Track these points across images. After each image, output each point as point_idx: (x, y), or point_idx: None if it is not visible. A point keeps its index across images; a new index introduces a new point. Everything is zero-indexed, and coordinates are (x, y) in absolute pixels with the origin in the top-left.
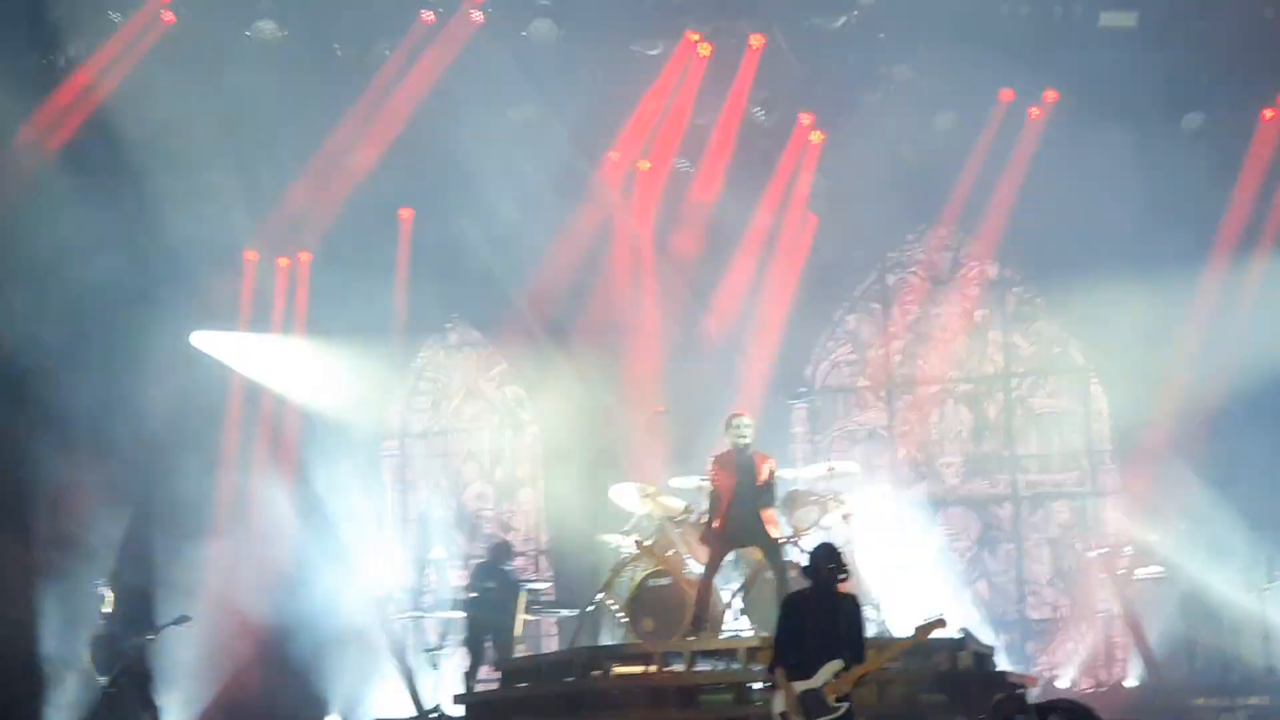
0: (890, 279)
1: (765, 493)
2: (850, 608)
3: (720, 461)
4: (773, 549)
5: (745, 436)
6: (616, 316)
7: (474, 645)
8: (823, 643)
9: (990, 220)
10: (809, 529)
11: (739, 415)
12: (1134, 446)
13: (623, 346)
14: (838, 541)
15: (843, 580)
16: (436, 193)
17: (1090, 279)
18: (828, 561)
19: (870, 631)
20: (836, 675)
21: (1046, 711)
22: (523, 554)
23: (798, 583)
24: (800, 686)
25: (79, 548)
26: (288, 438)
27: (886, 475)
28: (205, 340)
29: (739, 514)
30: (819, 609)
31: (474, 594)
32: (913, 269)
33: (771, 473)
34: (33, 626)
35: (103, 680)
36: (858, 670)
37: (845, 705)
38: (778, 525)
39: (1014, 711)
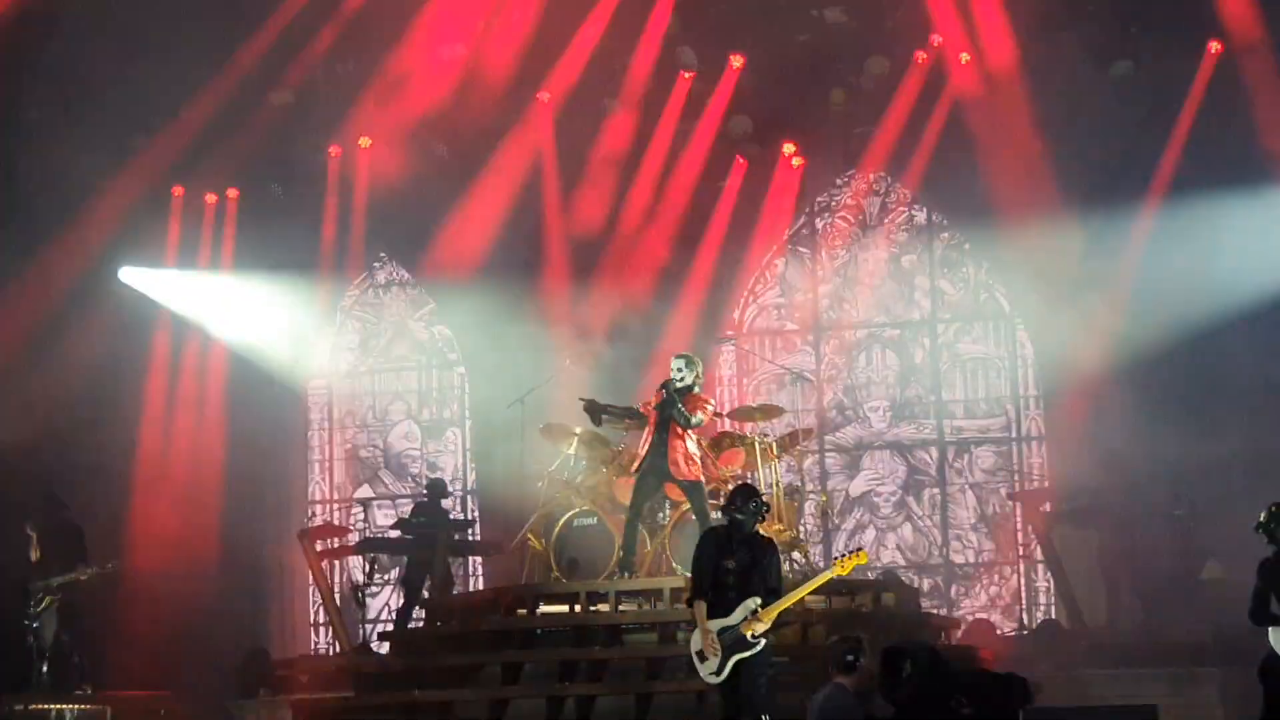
0: (818, 223)
1: (685, 428)
2: (767, 548)
3: (656, 401)
4: (692, 489)
5: (675, 376)
6: (547, 257)
7: (410, 583)
8: (740, 581)
9: (918, 166)
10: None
11: (680, 355)
12: (1059, 392)
13: (552, 287)
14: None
15: (762, 520)
16: (364, 130)
17: (1017, 226)
18: (746, 501)
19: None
20: (754, 612)
21: (897, 655)
22: (450, 495)
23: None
24: (716, 624)
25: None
26: (215, 375)
27: (813, 418)
28: (133, 276)
29: (654, 456)
30: (737, 548)
31: (409, 532)
32: (841, 213)
33: (705, 414)
34: None
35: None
36: (776, 605)
37: (762, 642)
38: (699, 465)
39: (846, 652)
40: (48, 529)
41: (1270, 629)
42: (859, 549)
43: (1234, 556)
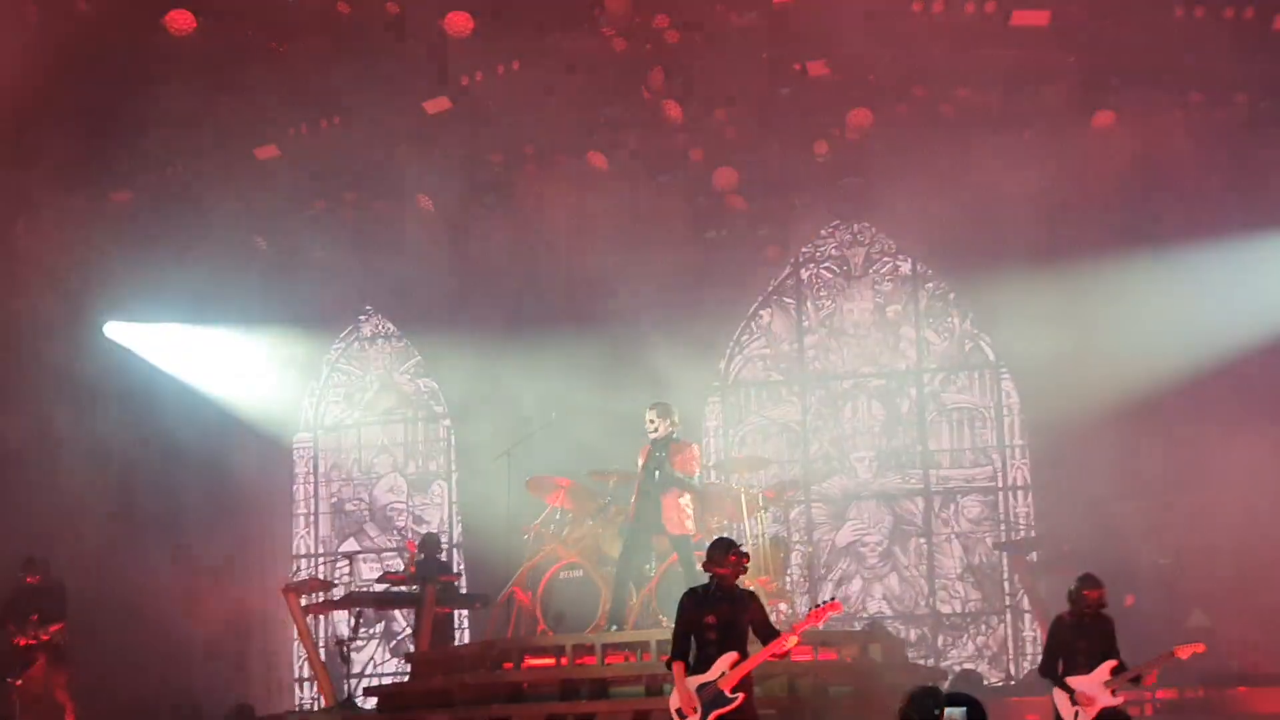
0: (804, 274)
1: (675, 483)
2: (749, 602)
3: (643, 453)
4: (681, 543)
5: (651, 427)
6: (532, 310)
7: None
8: (720, 637)
9: (903, 217)
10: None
11: (653, 405)
12: (1045, 441)
13: (539, 340)
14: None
15: (742, 573)
16: (351, 185)
17: (1002, 276)
18: (725, 554)
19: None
20: (733, 667)
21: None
22: (443, 549)
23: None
24: (695, 681)
25: None
26: (201, 430)
27: (800, 470)
28: (119, 331)
29: (644, 506)
30: (716, 604)
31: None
32: (826, 264)
33: (689, 463)
34: None
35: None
36: (749, 662)
37: (740, 697)
38: (685, 517)
39: (934, 706)
40: (31, 586)
41: (1054, 689)
42: (834, 599)
43: (1220, 605)
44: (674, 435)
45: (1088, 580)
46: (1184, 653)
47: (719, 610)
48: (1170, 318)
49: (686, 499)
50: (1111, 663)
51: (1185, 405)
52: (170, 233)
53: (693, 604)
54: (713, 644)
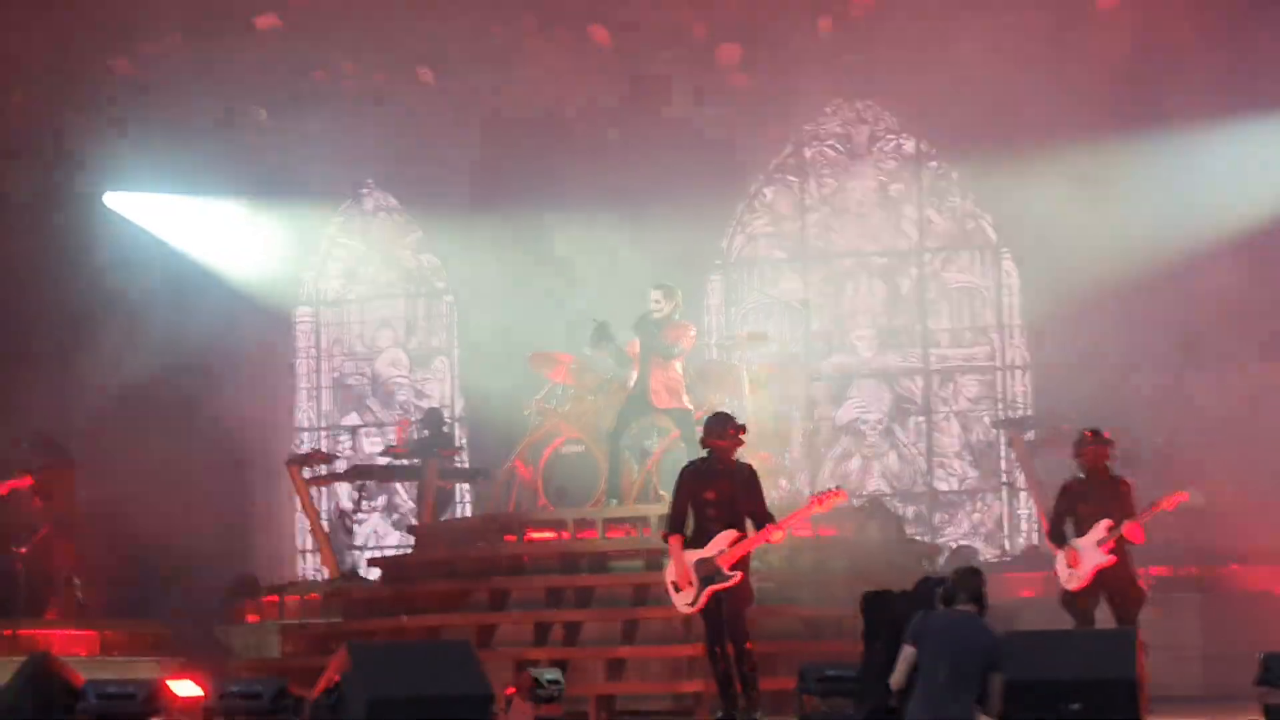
0: (807, 152)
1: (663, 353)
2: (747, 476)
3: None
4: (680, 417)
5: (656, 307)
6: (534, 183)
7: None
8: (719, 513)
9: (907, 95)
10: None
11: (658, 286)
12: (1043, 321)
13: (540, 213)
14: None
15: (739, 446)
16: (353, 54)
17: (1005, 156)
18: (723, 427)
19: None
20: (732, 544)
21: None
22: (448, 423)
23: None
24: (693, 556)
25: None
26: (202, 301)
27: (800, 347)
28: (119, 201)
29: (642, 383)
30: (715, 478)
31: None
32: (829, 142)
33: (689, 343)
34: None
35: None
36: (746, 543)
37: (737, 574)
38: (677, 392)
39: (981, 584)
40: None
41: (1059, 551)
42: (838, 488)
43: (1216, 485)
44: (675, 316)
45: (1083, 438)
46: (1170, 503)
47: (718, 485)
48: (1171, 198)
49: (677, 372)
50: (1107, 522)
51: (1186, 286)
52: (170, 102)
53: (692, 477)
54: (712, 520)
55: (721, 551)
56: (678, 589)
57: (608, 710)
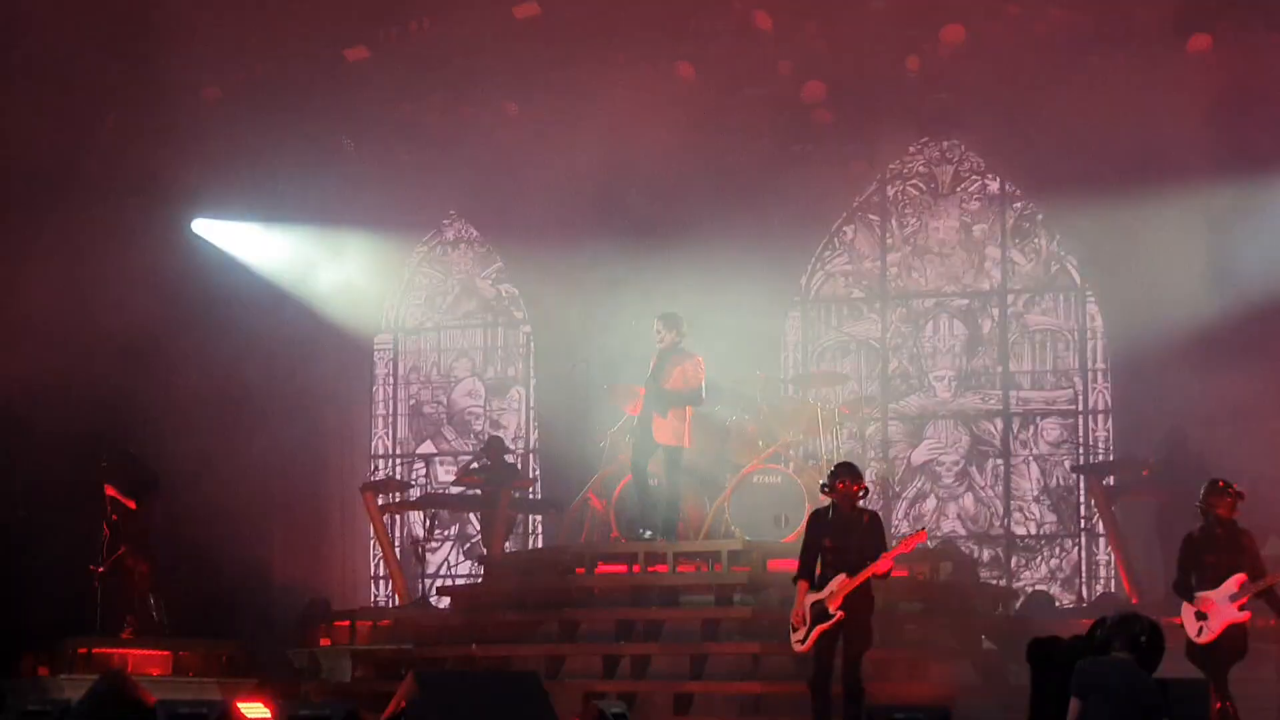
0: (890, 190)
1: (669, 397)
2: (867, 523)
3: (652, 361)
4: (668, 451)
5: (657, 338)
6: (616, 220)
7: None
8: (834, 559)
9: (993, 135)
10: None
11: (661, 316)
12: (1127, 366)
13: (621, 249)
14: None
15: (861, 497)
16: (439, 87)
17: (1091, 198)
18: (834, 481)
19: None
20: (840, 586)
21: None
22: (511, 451)
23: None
24: (812, 598)
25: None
26: (284, 327)
27: (877, 387)
28: (206, 228)
29: (643, 418)
30: (832, 527)
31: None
32: (913, 181)
33: (690, 376)
34: None
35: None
36: (851, 582)
37: (838, 615)
38: (674, 429)
39: (1139, 633)
40: (125, 484)
41: (1188, 604)
42: (921, 529)
43: None
44: (679, 346)
45: (1213, 488)
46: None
47: (834, 533)
48: (1257, 245)
49: (681, 411)
50: (1240, 576)
51: (1269, 333)
52: (258, 131)
53: (814, 526)
54: (829, 565)
55: (831, 593)
56: (794, 629)
57: None
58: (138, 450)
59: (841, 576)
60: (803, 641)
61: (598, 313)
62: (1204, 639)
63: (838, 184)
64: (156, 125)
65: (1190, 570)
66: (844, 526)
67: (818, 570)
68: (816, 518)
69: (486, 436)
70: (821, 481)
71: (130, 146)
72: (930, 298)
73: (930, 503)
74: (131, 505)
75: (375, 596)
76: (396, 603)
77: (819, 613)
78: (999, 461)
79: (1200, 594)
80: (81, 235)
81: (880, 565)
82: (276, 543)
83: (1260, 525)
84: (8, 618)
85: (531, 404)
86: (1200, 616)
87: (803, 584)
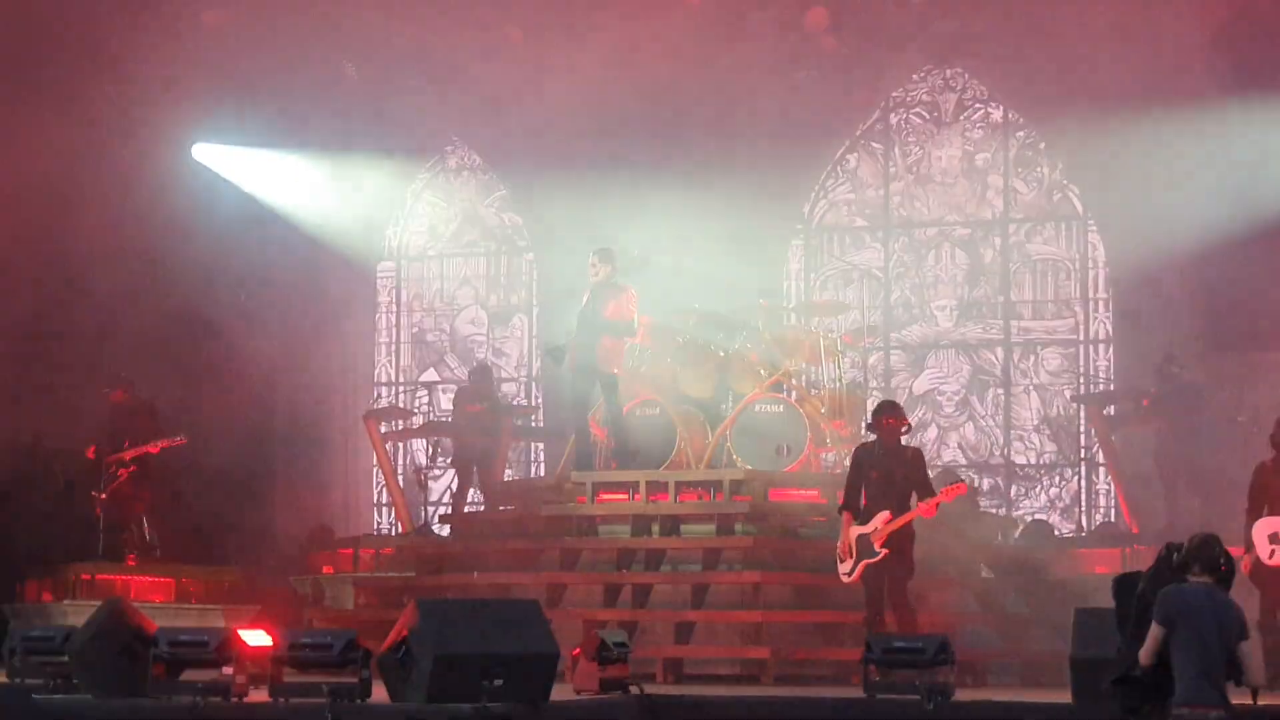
0: (893, 119)
1: (609, 326)
2: (910, 457)
3: (585, 296)
4: (605, 380)
5: (592, 272)
6: (618, 146)
7: (461, 467)
8: (878, 492)
9: (996, 64)
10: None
11: (595, 250)
12: (1128, 295)
13: (623, 176)
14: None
15: (904, 432)
16: (442, 11)
17: (1093, 127)
18: (879, 418)
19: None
20: (885, 523)
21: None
22: (514, 380)
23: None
24: (857, 531)
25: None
26: (285, 254)
27: (880, 316)
28: (206, 153)
29: (580, 346)
30: (879, 460)
31: (459, 417)
32: (916, 109)
33: (624, 307)
34: None
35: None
36: (896, 522)
37: (883, 552)
38: (614, 357)
39: (1221, 556)
40: (121, 404)
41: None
42: (960, 481)
43: None
44: (613, 280)
45: None
46: None
47: (880, 466)
48: (1262, 171)
49: (619, 340)
50: None
51: (1274, 260)
52: (258, 57)
53: (860, 459)
54: (874, 499)
55: (876, 530)
56: (840, 560)
57: (675, 673)
58: (132, 376)
59: (885, 514)
60: (849, 574)
61: (601, 241)
62: (1276, 561)
63: (842, 112)
64: (156, 50)
65: (1262, 501)
66: (889, 460)
67: (863, 502)
68: (862, 451)
69: (499, 365)
70: (865, 420)
71: (130, 71)
72: (932, 227)
73: (931, 431)
74: (154, 450)
75: (378, 524)
76: (399, 530)
77: (865, 547)
78: (1000, 391)
79: (1272, 518)
80: (80, 164)
81: (925, 510)
82: (279, 470)
83: (1258, 454)
84: (11, 544)
85: (534, 332)
86: (1275, 540)
87: (847, 515)
